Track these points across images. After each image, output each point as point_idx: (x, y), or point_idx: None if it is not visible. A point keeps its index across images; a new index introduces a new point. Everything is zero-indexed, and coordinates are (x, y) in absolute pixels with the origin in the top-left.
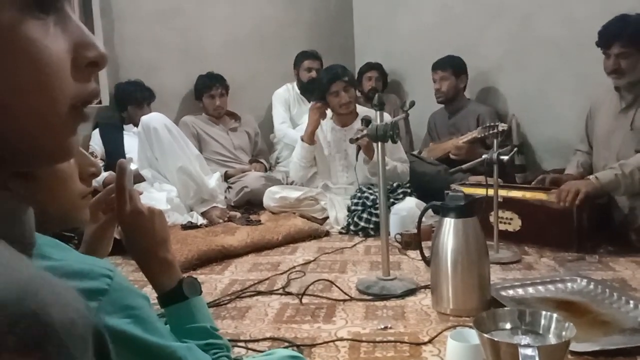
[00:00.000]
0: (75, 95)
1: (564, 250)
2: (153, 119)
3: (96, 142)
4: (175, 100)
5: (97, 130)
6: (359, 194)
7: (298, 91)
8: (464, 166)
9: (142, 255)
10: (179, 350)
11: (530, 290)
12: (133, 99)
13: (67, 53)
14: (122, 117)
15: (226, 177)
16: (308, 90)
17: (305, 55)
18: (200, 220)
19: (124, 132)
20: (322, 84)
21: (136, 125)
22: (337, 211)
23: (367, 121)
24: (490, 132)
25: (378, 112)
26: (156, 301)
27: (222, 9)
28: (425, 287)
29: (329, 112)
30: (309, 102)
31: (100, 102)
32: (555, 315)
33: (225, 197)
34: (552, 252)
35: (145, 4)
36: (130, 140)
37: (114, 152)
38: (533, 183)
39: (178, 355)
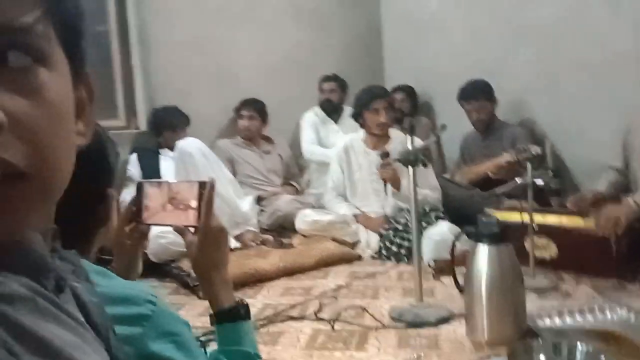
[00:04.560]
0: None
1: (602, 278)
2: (189, 144)
3: (134, 166)
4: (209, 124)
5: (134, 155)
6: (390, 219)
7: (324, 114)
8: (497, 190)
9: (210, 270)
10: None
11: (568, 319)
12: (168, 124)
13: None
14: (158, 142)
15: (259, 200)
16: (323, 110)
17: (323, 78)
18: (234, 244)
19: (160, 157)
20: (362, 100)
21: (172, 149)
22: (368, 235)
23: (385, 154)
24: (523, 155)
25: (409, 136)
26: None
27: (253, 35)
28: (460, 315)
29: (360, 133)
30: (336, 123)
31: (137, 128)
32: (591, 348)
33: (258, 220)
34: (590, 279)
35: (179, 31)
36: (167, 164)
37: (151, 176)
38: (568, 205)
39: None
